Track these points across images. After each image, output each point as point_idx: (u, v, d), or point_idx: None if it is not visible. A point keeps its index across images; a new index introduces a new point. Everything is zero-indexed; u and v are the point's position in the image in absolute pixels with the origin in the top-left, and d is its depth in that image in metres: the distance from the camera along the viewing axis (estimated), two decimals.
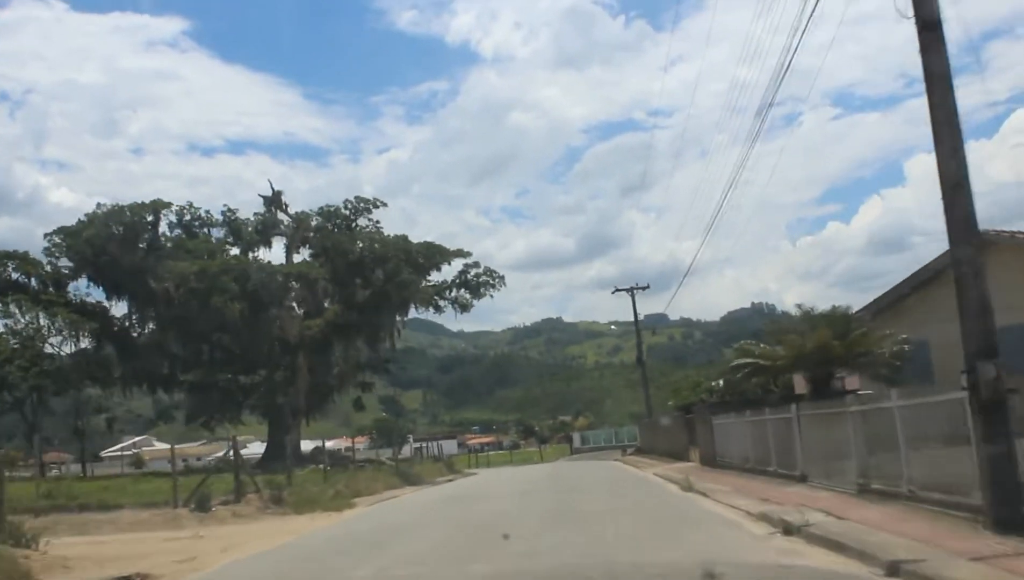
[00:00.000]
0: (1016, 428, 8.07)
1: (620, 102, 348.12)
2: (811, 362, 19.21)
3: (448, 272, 50.94)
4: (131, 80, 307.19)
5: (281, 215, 51.40)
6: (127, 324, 48.00)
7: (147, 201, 47.13)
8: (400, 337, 55.28)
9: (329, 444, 47.00)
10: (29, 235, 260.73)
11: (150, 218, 47.07)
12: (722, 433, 23.43)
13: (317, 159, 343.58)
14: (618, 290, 50.17)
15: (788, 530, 9.93)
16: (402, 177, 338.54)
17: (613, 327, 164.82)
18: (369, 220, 51.79)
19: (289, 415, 47.17)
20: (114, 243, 44.53)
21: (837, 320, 19.37)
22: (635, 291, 49.37)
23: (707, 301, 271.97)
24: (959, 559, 6.99)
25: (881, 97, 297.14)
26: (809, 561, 8.22)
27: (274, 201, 51.09)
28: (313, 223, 51.46)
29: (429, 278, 50.77)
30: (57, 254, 44.47)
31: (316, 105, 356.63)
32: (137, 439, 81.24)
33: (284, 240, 51.19)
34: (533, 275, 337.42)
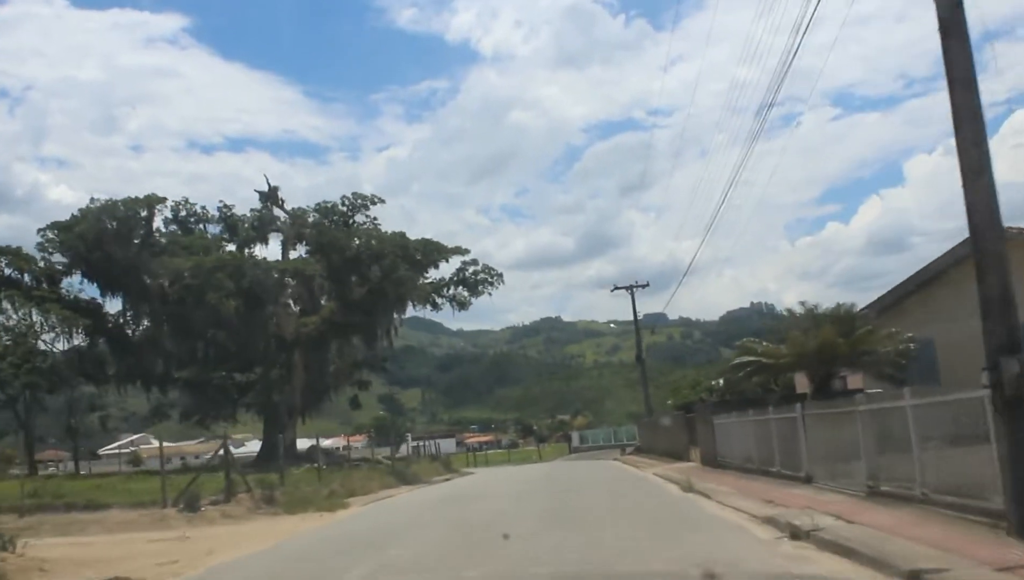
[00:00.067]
0: None
1: (620, 101, 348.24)
2: (814, 361, 18.82)
3: (446, 269, 50.49)
4: (130, 77, 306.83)
5: (277, 211, 50.83)
6: (121, 321, 47.40)
7: (141, 196, 46.65)
8: (398, 335, 54.75)
9: (326, 442, 46.57)
10: (28, 233, 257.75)
11: (144, 213, 46.49)
12: (723, 433, 23.08)
13: (316, 157, 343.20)
14: (617, 288, 49.99)
15: (796, 535, 9.48)
16: (402, 175, 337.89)
17: (612, 326, 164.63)
18: (366, 216, 51.20)
19: (285, 413, 46.72)
20: (108, 238, 43.90)
21: (841, 318, 18.96)
22: (634, 289, 49.20)
23: (706, 301, 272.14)
24: (984, 568, 6.54)
25: (881, 97, 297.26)
26: (821, 569, 7.74)
27: (270, 197, 50.53)
28: (310, 219, 50.89)
29: (427, 275, 50.22)
30: (50, 250, 43.89)
31: (316, 103, 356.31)
32: (135, 437, 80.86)
33: (280, 236, 50.69)
34: (532, 274, 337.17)
